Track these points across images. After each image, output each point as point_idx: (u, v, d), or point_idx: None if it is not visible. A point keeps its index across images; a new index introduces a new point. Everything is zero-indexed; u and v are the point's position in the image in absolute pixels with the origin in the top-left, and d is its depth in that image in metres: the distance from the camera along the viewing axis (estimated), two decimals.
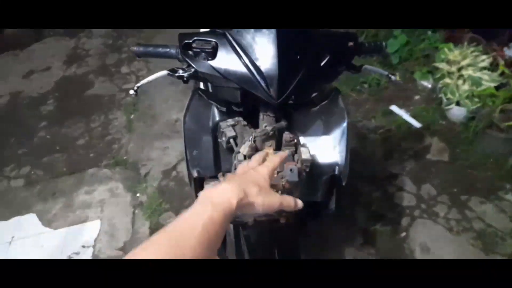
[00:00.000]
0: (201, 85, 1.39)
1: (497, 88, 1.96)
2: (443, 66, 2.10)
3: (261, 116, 1.09)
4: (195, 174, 1.08)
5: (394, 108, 2.36)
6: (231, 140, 1.08)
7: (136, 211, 2.13)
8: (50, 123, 3.01)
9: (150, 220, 2.07)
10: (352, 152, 2.03)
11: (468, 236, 1.76)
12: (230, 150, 1.10)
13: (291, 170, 0.95)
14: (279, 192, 0.99)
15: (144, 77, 3.07)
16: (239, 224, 1.16)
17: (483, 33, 2.22)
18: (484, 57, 2.02)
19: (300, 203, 0.73)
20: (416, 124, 2.24)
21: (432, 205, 1.89)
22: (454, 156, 2.08)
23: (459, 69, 2.04)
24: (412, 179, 2.02)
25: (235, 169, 1.04)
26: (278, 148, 1.06)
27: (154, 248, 0.49)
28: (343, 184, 1.10)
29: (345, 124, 1.10)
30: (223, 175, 1.11)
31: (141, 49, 1.07)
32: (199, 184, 1.10)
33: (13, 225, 2.14)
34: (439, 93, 2.21)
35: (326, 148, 1.13)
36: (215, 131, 1.13)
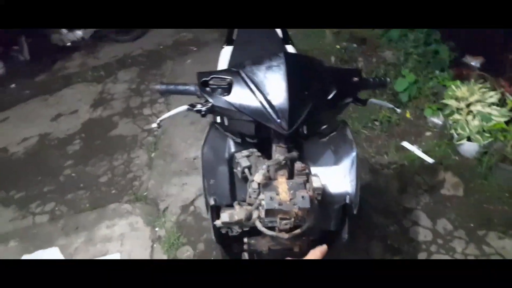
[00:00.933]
0: (218, 119, 1.49)
1: (507, 123, 2.00)
2: (451, 102, 2.16)
3: (273, 148, 1.17)
4: (212, 202, 1.14)
5: (406, 144, 2.40)
6: (246, 170, 1.15)
7: (155, 245, 2.18)
8: (76, 162, 3.16)
9: (168, 254, 2.11)
10: (367, 187, 2.08)
11: None
12: (245, 179, 1.17)
13: (302, 197, 1.01)
14: (292, 219, 1.04)
15: (165, 118, 3.22)
16: (254, 252, 1.20)
17: (490, 71, 2.29)
18: (492, 93, 2.08)
19: None
20: (428, 159, 2.28)
21: (448, 240, 1.88)
22: (469, 191, 2.08)
23: (468, 105, 2.10)
24: (427, 213, 2.02)
25: (249, 197, 1.10)
26: (290, 176, 1.13)
27: None
28: (354, 212, 1.15)
29: (354, 154, 1.16)
30: (239, 203, 1.17)
31: (163, 87, 1.18)
32: (215, 212, 1.16)
33: (36, 258, 2.21)
34: (450, 129, 2.26)
35: (336, 177, 1.18)
36: (231, 162, 1.21)
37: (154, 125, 1.19)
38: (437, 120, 2.46)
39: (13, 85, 4.54)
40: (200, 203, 2.41)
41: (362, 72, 1.20)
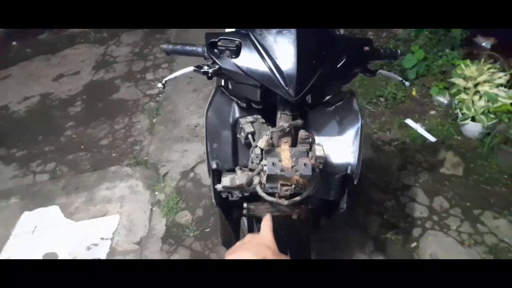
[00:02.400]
0: (223, 83, 1.47)
1: None
2: (459, 81, 2.13)
3: (278, 115, 1.16)
4: (214, 166, 1.14)
5: (409, 121, 2.39)
6: (249, 136, 1.14)
7: (154, 208, 2.21)
8: (77, 123, 3.16)
9: (166, 217, 2.14)
10: (367, 162, 2.08)
11: (479, 250, 1.76)
12: (248, 145, 1.17)
13: (305, 164, 1.01)
14: (293, 186, 1.05)
15: (168, 84, 3.20)
16: (253, 217, 1.21)
17: (502, 52, 2.25)
18: (501, 74, 2.05)
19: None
20: (431, 138, 2.27)
21: (444, 217, 1.91)
22: (468, 171, 2.09)
23: (475, 85, 2.08)
24: (425, 191, 2.04)
25: (252, 162, 1.10)
26: (293, 144, 1.12)
27: None
28: (355, 183, 1.15)
29: (359, 125, 1.15)
30: (240, 168, 1.17)
31: (170, 47, 1.16)
32: (217, 176, 1.17)
33: (37, 215, 2.25)
34: (455, 109, 2.24)
35: (340, 148, 1.18)
36: (235, 127, 1.20)
37: (160, 85, 1.18)
38: (443, 99, 2.44)
39: (15, 43, 4.47)
40: (200, 170, 2.42)
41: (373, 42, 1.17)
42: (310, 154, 1.08)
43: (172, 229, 2.08)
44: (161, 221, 2.13)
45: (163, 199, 2.25)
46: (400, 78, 1.24)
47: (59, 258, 1.96)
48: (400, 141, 2.31)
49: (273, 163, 1.00)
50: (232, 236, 1.53)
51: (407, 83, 1.24)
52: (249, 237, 0.72)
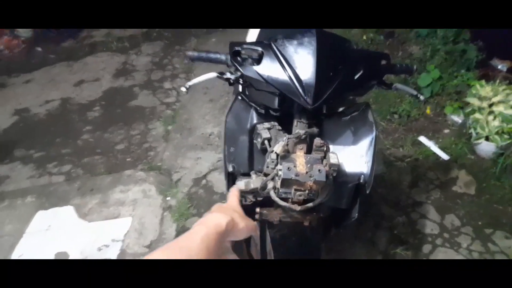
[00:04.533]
0: (245, 90, 1.51)
1: None
2: (474, 101, 2.15)
3: (295, 123, 1.19)
4: (230, 169, 1.18)
5: (422, 139, 2.40)
6: (266, 142, 1.18)
7: (165, 213, 2.24)
8: (94, 128, 3.24)
9: (177, 223, 2.17)
10: (378, 177, 2.09)
11: None
12: (264, 151, 1.21)
13: (319, 170, 1.04)
14: (306, 191, 1.08)
15: (184, 93, 3.28)
16: (265, 222, 1.24)
17: None
18: None
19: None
20: (444, 156, 2.28)
21: (455, 235, 1.90)
22: (481, 190, 2.08)
23: (490, 105, 2.09)
24: (436, 208, 2.03)
25: (267, 167, 1.14)
26: (308, 151, 1.15)
27: (162, 255, 0.56)
28: (367, 192, 1.18)
29: (373, 136, 1.18)
30: (255, 173, 1.20)
31: (195, 54, 1.21)
32: (232, 179, 1.20)
33: (51, 215, 2.30)
34: (469, 128, 2.25)
35: (353, 157, 1.21)
36: (252, 132, 1.24)
37: (183, 89, 1.22)
38: (457, 119, 2.45)
39: (39, 48, 4.63)
40: (213, 178, 2.45)
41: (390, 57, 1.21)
42: (325, 161, 1.11)
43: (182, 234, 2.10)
44: (172, 226, 2.17)
45: (175, 205, 2.29)
46: (415, 92, 1.27)
47: (70, 257, 2.00)
48: (413, 158, 2.32)
49: (288, 168, 1.03)
50: (242, 241, 1.55)
51: (422, 97, 1.27)
52: (217, 205, 0.80)
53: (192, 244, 0.59)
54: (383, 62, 1.16)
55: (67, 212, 2.29)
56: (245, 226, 0.73)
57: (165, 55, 4.15)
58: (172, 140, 2.91)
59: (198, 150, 2.73)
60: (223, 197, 2.29)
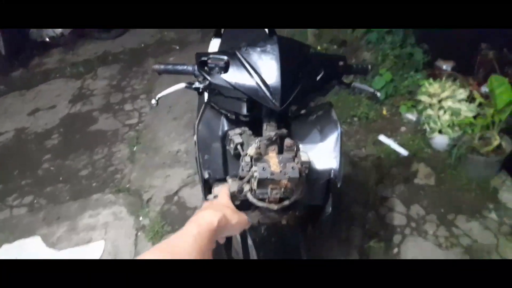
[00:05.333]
0: (213, 99, 1.55)
1: (474, 117, 2.15)
2: (425, 98, 2.31)
3: (264, 126, 1.24)
4: (206, 176, 1.20)
5: (382, 138, 2.54)
6: (239, 147, 1.22)
7: (139, 233, 2.20)
8: (54, 156, 3.14)
9: (152, 241, 2.14)
10: (346, 178, 2.18)
11: (456, 251, 1.86)
12: (237, 156, 1.24)
13: (292, 168, 1.09)
14: (282, 189, 1.12)
15: (147, 113, 3.24)
16: None
17: (460, 72, 2.46)
18: (461, 90, 2.24)
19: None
20: (403, 152, 2.41)
21: (421, 223, 2.01)
22: (440, 180, 2.22)
23: (440, 101, 2.25)
24: (402, 201, 2.14)
25: (242, 170, 1.17)
26: (280, 152, 1.20)
27: (157, 254, 0.58)
28: (338, 186, 1.24)
29: (338, 132, 1.25)
30: (231, 178, 1.23)
31: (162, 67, 1.24)
32: (208, 186, 1.22)
33: (17, 247, 2.20)
34: (423, 124, 2.40)
35: (322, 154, 1.27)
36: (224, 139, 1.28)
37: (153, 101, 1.24)
38: (411, 116, 2.61)
39: None
40: (184, 193, 2.44)
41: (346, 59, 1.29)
42: (296, 160, 1.16)
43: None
44: (147, 245, 2.13)
45: (148, 224, 2.25)
46: (373, 90, 1.36)
47: None
48: (375, 156, 2.44)
49: (263, 168, 1.07)
50: (222, 248, 1.57)
51: (378, 94, 1.36)
52: (207, 202, 0.84)
53: (184, 244, 0.60)
54: (341, 63, 1.24)
55: (34, 243, 2.19)
56: (237, 221, 0.76)
57: (123, 77, 4.10)
58: (138, 160, 2.86)
59: (166, 168, 2.71)
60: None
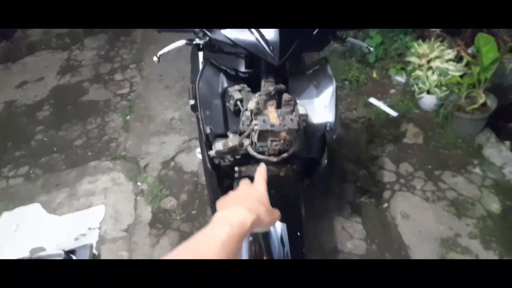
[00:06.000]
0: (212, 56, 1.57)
1: (461, 76, 2.22)
2: (414, 59, 2.37)
3: (262, 83, 1.29)
4: (208, 131, 1.25)
5: (372, 100, 2.60)
6: (238, 102, 1.26)
7: (138, 197, 2.26)
8: (47, 127, 3.13)
9: (152, 205, 2.20)
10: (338, 138, 2.25)
11: (442, 204, 1.97)
12: (237, 113, 1.29)
13: (291, 120, 1.15)
14: (281, 141, 1.18)
15: (138, 83, 3.23)
16: (246, 176, 1.32)
17: (448, 31, 2.51)
18: (449, 51, 2.30)
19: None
20: (393, 113, 2.49)
21: (409, 180, 2.11)
22: (428, 139, 2.32)
23: (428, 62, 2.31)
24: (391, 159, 2.24)
25: (243, 125, 1.22)
26: (278, 107, 1.25)
27: (176, 256, 0.53)
28: (334, 137, 1.30)
29: (333, 87, 1.30)
30: (232, 133, 1.28)
31: None
32: (211, 139, 1.28)
33: (17, 214, 2.23)
34: (412, 85, 2.47)
35: (318, 108, 1.33)
36: (224, 96, 1.32)
37: (155, 58, 1.27)
38: (400, 79, 2.68)
39: None
40: (180, 159, 2.49)
41: None
42: (294, 113, 1.21)
43: (159, 214, 2.14)
44: (147, 209, 2.19)
45: (146, 189, 2.31)
46: (366, 45, 1.41)
47: (47, 251, 1.96)
48: (366, 118, 2.52)
49: (263, 120, 1.13)
50: None
51: (371, 48, 1.41)
52: (243, 189, 0.72)
53: (211, 249, 0.54)
54: None
55: (34, 210, 2.23)
56: (269, 221, 0.67)
57: (111, 48, 4.04)
58: (132, 129, 2.88)
59: (161, 135, 2.74)
60: (193, 175, 2.35)
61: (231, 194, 0.71)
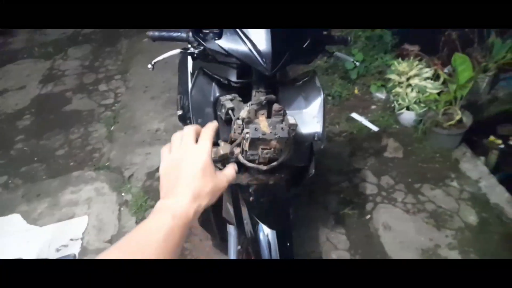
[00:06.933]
0: (205, 65, 1.60)
1: (439, 94, 2.33)
2: (394, 77, 2.47)
3: (253, 93, 1.32)
4: None
5: (354, 115, 2.69)
6: (230, 111, 1.30)
7: (122, 208, 2.24)
8: (27, 136, 3.08)
9: (136, 215, 2.18)
10: (322, 151, 2.31)
11: (422, 216, 2.03)
12: (228, 122, 1.32)
13: (282, 128, 1.19)
14: (272, 150, 1.21)
15: (123, 93, 3.24)
16: (236, 186, 1.35)
17: (425, 51, 2.64)
18: (427, 69, 2.41)
19: (235, 167, 0.72)
20: (374, 128, 2.57)
21: (391, 192, 2.17)
22: (407, 153, 2.40)
23: (407, 79, 2.41)
24: (373, 172, 2.30)
25: (234, 133, 1.25)
26: (268, 116, 1.30)
27: (117, 254, 0.51)
28: (322, 147, 1.35)
29: (321, 98, 1.36)
30: (223, 141, 1.31)
31: (156, 33, 1.28)
32: None
33: None
34: (392, 102, 2.57)
35: (307, 119, 1.37)
36: (215, 105, 1.35)
37: (149, 65, 1.29)
38: (381, 95, 2.78)
39: None
40: None
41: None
42: (284, 122, 1.26)
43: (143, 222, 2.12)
44: (131, 219, 2.17)
45: (131, 199, 2.29)
46: (352, 59, 1.47)
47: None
48: (348, 132, 2.59)
49: (255, 129, 1.16)
50: (210, 215, 1.65)
51: (357, 63, 1.48)
52: (185, 156, 0.66)
53: (152, 243, 0.52)
54: (325, 32, 1.34)
55: (14, 220, 2.18)
56: (214, 197, 0.64)
57: (96, 58, 4.04)
58: (116, 139, 2.87)
59: (146, 146, 2.74)
60: None
61: (172, 164, 0.65)
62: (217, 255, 1.76)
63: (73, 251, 1.96)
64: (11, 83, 3.81)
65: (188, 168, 0.63)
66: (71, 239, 2.03)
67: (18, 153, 2.93)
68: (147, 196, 2.29)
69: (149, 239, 0.52)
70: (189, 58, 1.81)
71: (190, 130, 0.71)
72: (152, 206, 2.18)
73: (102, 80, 3.66)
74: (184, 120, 1.83)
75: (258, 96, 1.31)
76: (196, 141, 0.70)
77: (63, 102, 3.42)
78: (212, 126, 0.74)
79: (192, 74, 1.72)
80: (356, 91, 2.87)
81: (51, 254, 1.95)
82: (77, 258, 1.90)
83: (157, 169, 2.51)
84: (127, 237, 0.53)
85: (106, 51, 4.09)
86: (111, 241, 2.05)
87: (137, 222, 2.14)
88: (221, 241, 1.65)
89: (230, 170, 0.74)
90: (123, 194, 2.34)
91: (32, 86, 3.72)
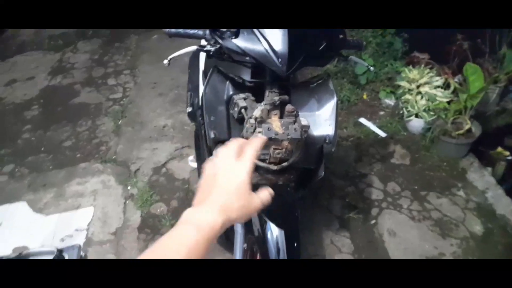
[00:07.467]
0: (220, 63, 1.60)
1: (448, 103, 2.33)
2: (404, 84, 2.47)
3: (266, 93, 1.33)
4: (212, 135, 1.28)
5: (362, 120, 2.69)
6: (242, 110, 1.30)
7: (128, 201, 2.24)
8: (35, 126, 3.09)
9: (141, 209, 2.19)
10: (328, 155, 2.32)
11: (427, 223, 2.03)
12: (240, 120, 1.33)
13: (295, 129, 1.20)
14: (283, 150, 1.22)
15: (131, 89, 3.24)
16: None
17: (436, 59, 2.64)
18: (437, 78, 2.42)
19: (271, 191, 0.69)
20: (381, 133, 2.58)
21: (396, 198, 2.18)
22: (414, 160, 2.40)
23: (418, 87, 2.42)
24: (379, 178, 2.30)
25: (246, 131, 1.26)
26: (281, 117, 1.30)
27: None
28: (332, 150, 1.35)
29: (334, 102, 1.36)
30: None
31: (173, 30, 1.29)
32: (215, 144, 1.31)
33: (2, 212, 2.18)
34: (401, 109, 2.57)
35: (319, 121, 1.38)
36: (228, 103, 1.36)
37: (165, 61, 1.30)
38: (390, 102, 2.78)
39: None
40: (172, 166, 2.50)
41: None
42: (296, 124, 1.26)
43: (148, 219, 2.13)
44: (136, 213, 2.18)
45: (136, 193, 2.30)
46: (367, 64, 1.48)
47: (31, 250, 1.92)
48: (356, 137, 2.59)
49: (268, 128, 1.17)
50: None
51: (372, 68, 1.49)
52: (223, 171, 0.62)
53: (177, 256, 0.51)
54: (341, 36, 1.35)
55: (20, 208, 2.18)
56: (244, 217, 0.61)
57: (105, 52, 4.04)
58: (124, 133, 2.88)
59: (153, 141, 2.74)
60: (185, 183, 2.35)
61: (210, 177, 0.62)
62: (221, 253, 1.76)
63: (78, 241, 1.96)
64: (20, 73, 3.81)
65: (224, 183, 0.61)
66: (76, 230, 2.03)
67: (25, 142, 2.94)
68: (153, 191, 2.30)
69: (173, 252, 0.51)
70: (201, 56, 1.82)
71: (234, 145, 0.66)
72: (157, 201, 2.21)
73: (111, 74, 3.67)
74: (193, 117, 1.84)
75: (272, 96, 1.32)
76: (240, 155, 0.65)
77: (72, 95, 3.43)
78: (258, 143, 0.68)
79: (203, 72, 1.73)
80: (364, 96, 2.87)
81: (56, 243, 1.95)
82: (81, 248, 1.90)
83: (163, 165, 2.52)
84: (156, 245, 0.52)
85: (116, 46, 4.10)
86: (116, 233, 2.06)
87: (142, 216, 2.15)
88: (226, 240, 1.65)
89: (265, 194, 0.67)
90: (129, 187, 2.34)
91: (41, 77, 3.72)
